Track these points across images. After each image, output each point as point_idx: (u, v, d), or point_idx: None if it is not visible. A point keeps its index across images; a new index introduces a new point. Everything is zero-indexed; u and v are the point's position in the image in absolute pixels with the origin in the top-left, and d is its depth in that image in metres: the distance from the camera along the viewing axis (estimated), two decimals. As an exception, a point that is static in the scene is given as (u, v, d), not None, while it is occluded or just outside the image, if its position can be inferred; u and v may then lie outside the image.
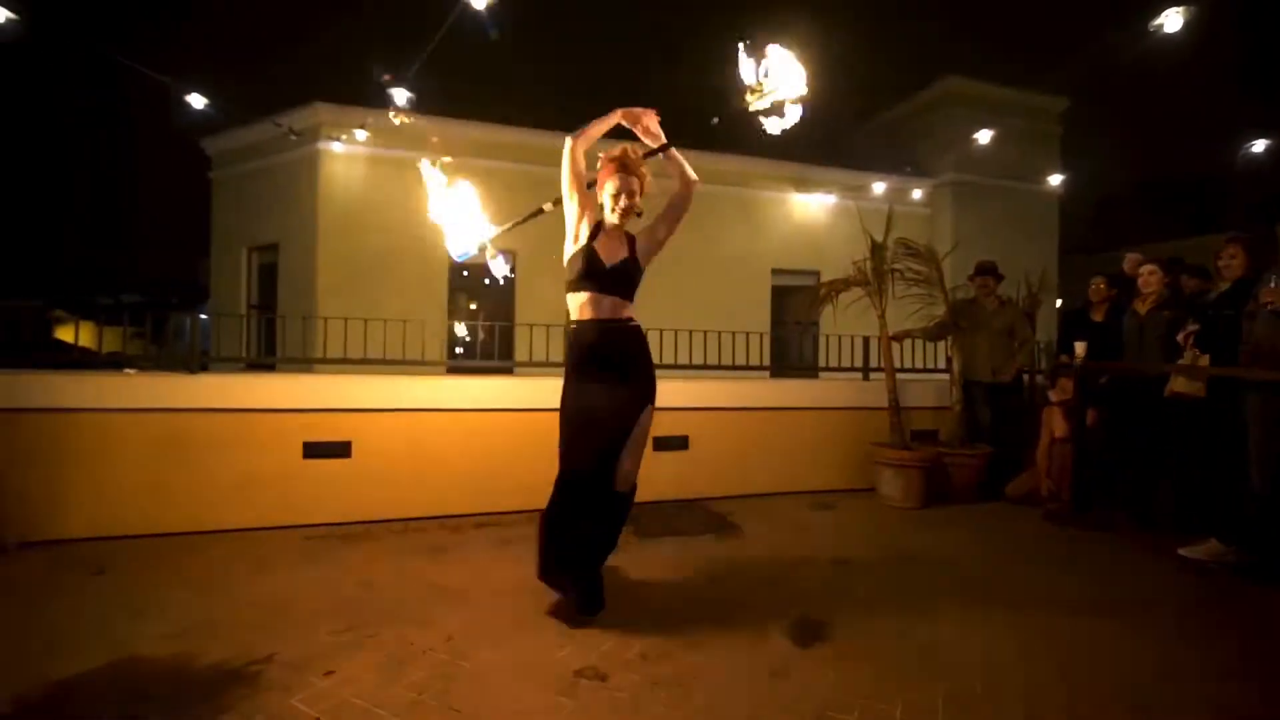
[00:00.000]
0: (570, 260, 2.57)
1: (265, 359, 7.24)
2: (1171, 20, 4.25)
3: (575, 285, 2.54)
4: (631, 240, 2.62)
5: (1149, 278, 4.27)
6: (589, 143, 2.62)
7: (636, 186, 2.56)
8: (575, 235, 2.59)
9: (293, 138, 8.34)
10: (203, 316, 7.41)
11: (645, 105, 2.64)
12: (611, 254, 2.54)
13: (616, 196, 2.53)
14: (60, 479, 3.45)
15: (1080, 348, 4.26)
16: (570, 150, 2.57)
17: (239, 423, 3.75)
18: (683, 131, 2.78)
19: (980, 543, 3.80)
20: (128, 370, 3.92)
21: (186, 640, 2.31)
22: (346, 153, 8.39)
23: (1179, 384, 3.85)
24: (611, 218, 2.57)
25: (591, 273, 2.51)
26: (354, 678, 2.07)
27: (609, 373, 2.52)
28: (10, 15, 4.62)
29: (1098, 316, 4.86)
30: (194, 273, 15.56)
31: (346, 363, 4.66)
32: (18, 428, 3.33)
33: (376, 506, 3.94)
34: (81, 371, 3.95)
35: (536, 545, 2.64)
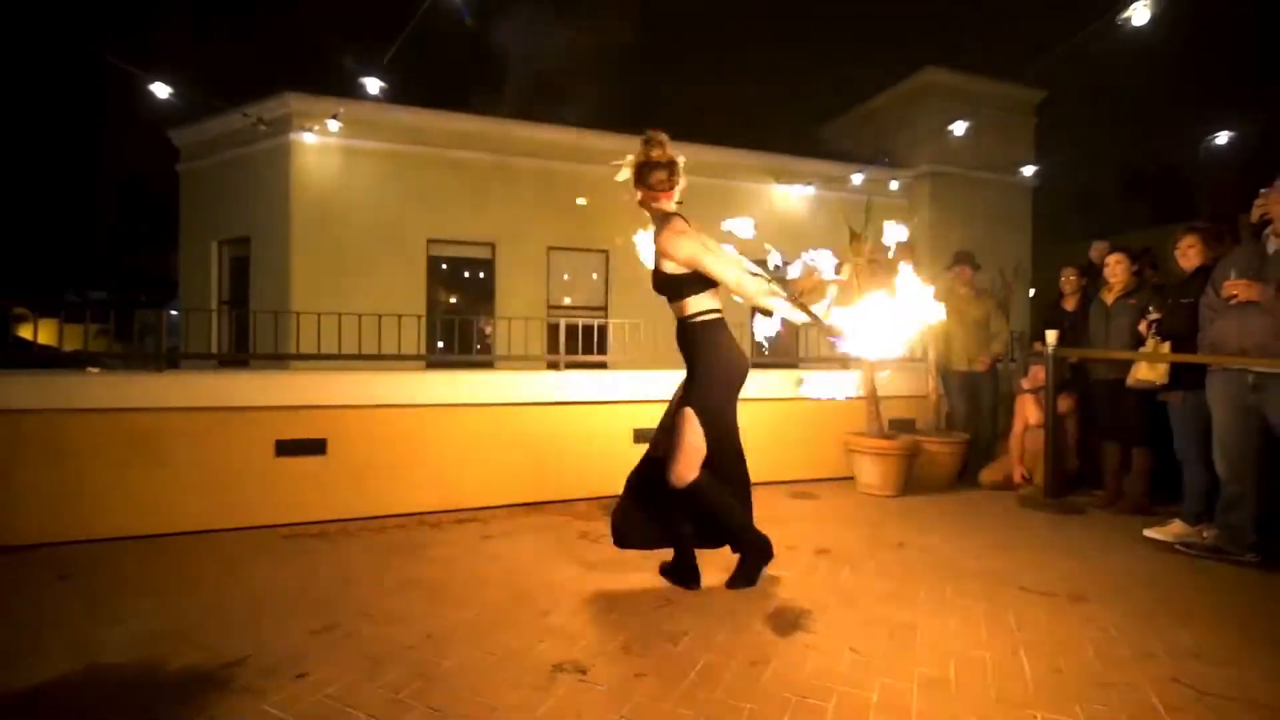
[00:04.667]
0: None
1: (237, 356, 7.11)
2: (1139, 14, 4.30)
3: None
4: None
5: (1114, 267, 4.36)
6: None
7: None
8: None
9: (262, 128, 8.16)
10: (172, 313, 7.24)
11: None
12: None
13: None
14: (20, 483, 3.34)
15: (1051, 336, 4.33)
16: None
17: (209, 421, 3.67)
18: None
19: (956, 529, 3.86)
20: (91, 369, 3.82)
21: (157, 645, 2.26)
22: (320, 144, 8.22)
23: (1141, 371, 3.92)
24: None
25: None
26: (330, 679, 2.04)
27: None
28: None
29: (1069, 306, 4.95)
30: (164, 268, 15.22)
31: (321, 358, 4.58)
32: (-23, 429, 3.22)
33: (353, 504, 3.89)
34: (41, 371, 3.83)
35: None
